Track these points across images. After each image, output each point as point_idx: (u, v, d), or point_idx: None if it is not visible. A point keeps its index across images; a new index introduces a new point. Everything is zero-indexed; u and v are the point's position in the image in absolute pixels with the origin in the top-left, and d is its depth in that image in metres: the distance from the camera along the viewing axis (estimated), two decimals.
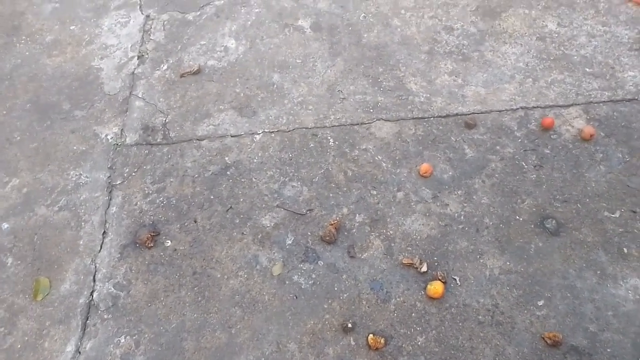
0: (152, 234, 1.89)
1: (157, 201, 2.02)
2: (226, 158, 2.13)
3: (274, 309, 1.72)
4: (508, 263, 1.78)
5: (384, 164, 2.07)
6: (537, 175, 2.00)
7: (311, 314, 1.70)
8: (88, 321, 1.73)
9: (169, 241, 1.90)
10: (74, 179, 2.12)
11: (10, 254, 1.91)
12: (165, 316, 1.72)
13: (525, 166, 2.03)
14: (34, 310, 1.77)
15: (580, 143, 2.08)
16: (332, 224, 1.87)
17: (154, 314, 1.73)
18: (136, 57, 2.55)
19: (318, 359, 1.62)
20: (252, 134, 2.21)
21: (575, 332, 1.62)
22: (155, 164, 2.13)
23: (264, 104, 2.32)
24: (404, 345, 1.62)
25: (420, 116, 2.22)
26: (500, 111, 2.21)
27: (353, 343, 1.64)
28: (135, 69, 2.50)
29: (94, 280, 1.82)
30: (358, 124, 2.21)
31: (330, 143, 2.16)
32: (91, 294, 1.79)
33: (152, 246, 1.87)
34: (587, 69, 2.33)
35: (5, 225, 1.98)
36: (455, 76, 2.36)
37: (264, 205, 1.97)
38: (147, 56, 2.56)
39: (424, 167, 2.01)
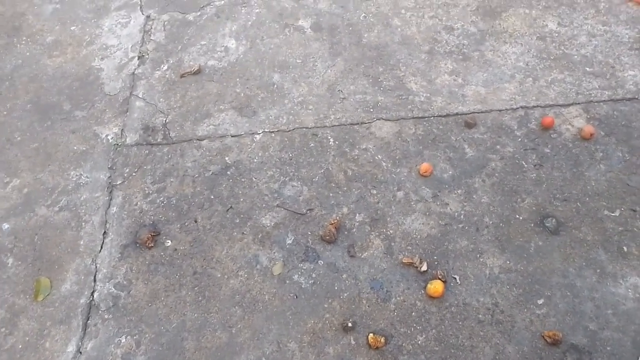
0: (152, 234, 1.89)
1: (158, 201, 2.02)
2: (226, 158, 2.14)
3: (274, 308, 1.73)
4: (508, 262, 1.78)
5: (384, 164, 2.07)
6: (537, 174, 2.00)
7: (311, 313, 1.70)
8: (89, 321, 1.73)
9: (169, 241, 1.91)
10: (75, 179, 2.12)
11: (10, 255, 1.91)
12: (166, 316, 1.73)
13: (526, 165, 2.03)
14: (35, 310, 1.77)
15: (581, 142, 2.08)
16: (332, 224, 1.87)
17: (154, 313, 1.73)
18: (136, 58, 2.56)
19: (318, 358, 1.62)
20: (253, 133, 2.21)
21: (575, 330, 1.62)
22: (156, 164, 2.14)
23: (264, 103, 2.32)
24: (404, 344, 1.63)
25: (420, 116, 2.22)
26: (500, 110, 2.21)
27: (353, 342, 1.64)
28: (135, 69, 2.51)
29: (95, 281, 1.82)
30: (358, 124, 2.21)
31: (330, 143, 2.16)
32: (92, 294, 1.79)
33: (152, 246, 1.88)
34: (588, 69, 2.33)
35: (5, 226, 1.99)
36: (456, 76, 2.36)
37: (264, 205, 1.97)
38: (147, 56, 2.56)
39: (424, 166, 2.02)
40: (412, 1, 2.71)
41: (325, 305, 1.72)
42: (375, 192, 1.99)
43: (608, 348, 1.59)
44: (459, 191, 1.97)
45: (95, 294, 1.79)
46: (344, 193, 1.99)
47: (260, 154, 2.14)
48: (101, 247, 1.90)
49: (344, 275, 1.78)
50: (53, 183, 2.11)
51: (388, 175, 2.03)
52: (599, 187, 1.95)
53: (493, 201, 1.93)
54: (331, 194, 1.99)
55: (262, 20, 2.69)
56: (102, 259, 1.87)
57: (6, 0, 2.93)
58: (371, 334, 1.63)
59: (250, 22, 2.69)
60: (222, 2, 2.80)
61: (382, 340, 1.61)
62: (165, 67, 2.50)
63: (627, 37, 2.44)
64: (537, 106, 2.21)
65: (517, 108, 2.21)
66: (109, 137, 2.25)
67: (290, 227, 1.90)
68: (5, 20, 2.81)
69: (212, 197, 2.01)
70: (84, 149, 2.22)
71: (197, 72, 2.46)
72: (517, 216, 1.89)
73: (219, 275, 1.81)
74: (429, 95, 2.29)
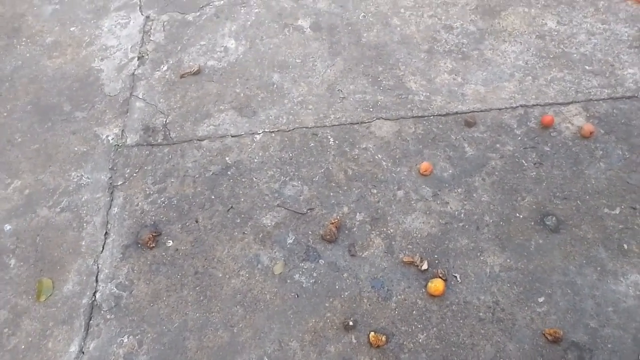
0: (153, 234, 1.89)
1: (159, 201, 2.03)
2: (227, 158, 2.14)
3: (276, 307, 1.73)
4: (508, 260, 1.78)
5: (384, 163, 2.08)
6: (537, 172, 2.00)
7: (312, 312, 1.71)
8: (91, 321, 1.74)
9: (170, 241, 1.91)
10: (76, 180, 2.13)
11: (13, 256, 1.91)
12: (168, 316, 1.73)
13: (525, 164, 2.03)
14: (37, 311, 1.77)
15: (580, 140, 2.08)
16: (332, 223, 1.87)
17: (156, 313, 1.74)
18: (136, 58, 2.56)
19: (320, 357, 1.62)
20: (253, 133, 2.21)
21: (576, 328, 1.63)
22: (156, 165, 2.14)
23: (264, 103, 2.32)
24: (405, 343, 1.63)
25: (420, 115, 2.22)
26: (500, 109, 2.21)
27: (354, 341, 1.64)
28: (135, 69, 2.51)
29: (97, 281, 1.82)
30: (358, 123, 2.22)
31: (330, 142, 2.17)
32: (94, 295, 1.80)
33: (153, 246, 1.88)
34: (587, 67, 2.34)
35: (7, 227, 1.99)
36: (455, 75, 2.36)
37: (264, 205, 1.98)
38: (147, 57, 2.57)
39: (424, 165, 2.02)
40: (411, 0, 2.72)
41: (327, 304, 1.72)
42: (375, 191, 2.00)
43: (609, 345, 1.59)
44: (459, 190, 1.97)
45: (97, 294, 1.79)
46: (345, 192, 2.00)
47: (260, 154, 2.14)
48: (103, 248, 1.90)
49: (345, 275, 1.78)
50: (54, 184, 2.11)
51: (388, 175, 2.03)
52: (599, 185, 1.95)
53: (493, 200, 1.94)
54: (331, 194, 2.00)
55: (262, 20, 2.69)
56: (104, 260, 1.88)
57: (6, 1, 2.93)
58: (372, 333, 1.63)
59: (249, 22, 2.69)
60: (222, 2, 2.80)
61: (383, 338, 1.61)
62: (165, 68, 2.51)
63: (627, 35, 2.44)
64: (537, 105, 2.22)
65: (517, 107, 2.21)
66: (110, 138, 2.25)
67: (290, 227, 1.91)
68: (5, 21, 2.82)
69: (213, 197, 2.01)
70: (85, 149, 2.22)
71: (197, 72, 2.46)
72: (518, 214, 1.89)
73: (220, 275, 1.82)
74: (428, 94, 2.29)
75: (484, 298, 1.71)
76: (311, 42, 2.57)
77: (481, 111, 2.21)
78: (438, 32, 2.55)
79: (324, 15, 2.69)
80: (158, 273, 1.83)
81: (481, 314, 1.67)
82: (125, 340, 1.69)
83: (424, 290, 1.73)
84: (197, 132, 2.23)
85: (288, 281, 1.78)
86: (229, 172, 2.09)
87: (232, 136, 2.21)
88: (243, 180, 2.06)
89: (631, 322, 1.62)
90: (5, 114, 2.39)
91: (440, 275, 1.73)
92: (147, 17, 2.77)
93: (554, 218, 1.87)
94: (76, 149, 2.23)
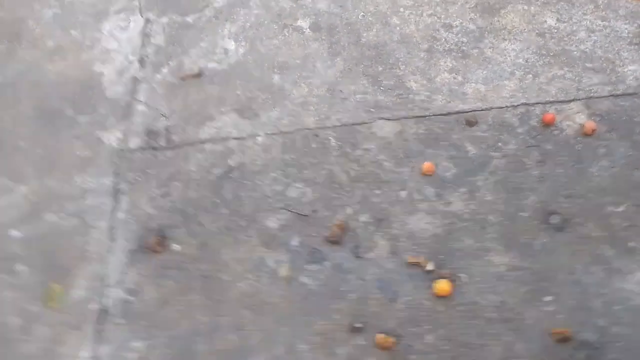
0: (159, 238, 1.90)
1: (163, 205, 2.03)
2: (229, 161, 2.14)
3: (283, 310, 1.74)
4: (514, 259, 1.79)
5: (386, 164, 2.08)
6: (540, 171, 2.01)
7: (320, 314, 1.72)
8: (101, 327, 1.74)
9: (176, 245, 1.92)
10: (80, 185, 2.12)
11: (21, 262, 1.92)
12: (177, 320, 1.74)
13: (528, 162, 2.04)
14: (48, 317, 1.78)
15: (583, 138, 2.09)
16: (337, 225, 1.88)
17: (166, 317, 1.74)
18: (137, 61, 2.55)
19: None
20: (254, 136, 2.21)
21: (585, 326, 1.64)
22: (160, 169, 2.14)
23: (265, 105, 2.32)
24: (413, 344, 1.64)
25: (421, 115, 2.22)
26: (501, 108, 2.22)
27: (363, 343, 1.65)
28: (136, 73, 2.50)
29: (105, 286, 1.83)
30: (359, 124, 2.22)
31: (332, 143, 2.17)
32: (103, 300, 1.80)
33: (160, 251, 1.89)
34: (588, 64, 2.34)
35: (15, 233, 1.99)
36: (455, 74, 2.37)
37: (268, 207, 1.98)
38: (147, 60, 2.56)
39: (426, 165, 2.03)
40: None
41: (333, 307, 1.73)
42: (378, 192, 2.00)
43: (618, 344, 1.60)
44: (462, 189, 1.98)
45: (107, 300, 1.80)
46: (348, 194, 2.00)
47: (262, 156, 2.14)
48: (110, 253, 1.91)
49: (351, 276, 1.79)
50: (59, 189, 2.11)
51: (391, 175, 2.04)
52: (603, 182, 1.96)
53: (497, 199, 1.94)
54: (335, 195, 2.00)
55: (261, 21, 2.69)
56: (112, 265, 1.88)
57: (6, 5, 2.91)
58: (380, 334, 1.64)
59: (249, 24, 2.68)
60: (221, 3, 2.79)
61: (392, 340, 1.62)
62: (166, 71, 2.50)
63: (627, 32, 2.45)
64: (538, 103, 2.22)
65: (518, 105, 2.22)
66: (113, 142, 2.25)
67: (295, 229, 1.91)
68: (6, 25, 2.80)
69: (217, 200, 2.02)
70: (88, 154, 2.22)
71: (198, 74, 2.46)
72: (522, 213, 1.90)
73: (227, 279, 1.82)
74: (429, 93, 2.30)
75: (491, 298, 1.72)
76: (311, 42, 2.57)
77: (482, 110, 2.22)
78: (437, 31, 2.55)
79: (324, 16, 2.68)
80: (166, 277, 1.83)
81: (489, 313, 1.68)
82: (137, 345, 1.70)
83: (430, 291, 1.74)
84: (200, 135, 2.23)
85: (294, 284, 1.79)
86: (231, 175, 2.09)
87: (234, 139, 2.21)
88: (246, 182, 2.06)
89: None
90: (9, 120, 2.38)
91: (446, 275, 1.74)
92: (147, 19, 2.76)
93: (558, 217, 1.88)
94: (79, 153, 2.23)
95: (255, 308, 1.73)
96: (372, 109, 2.26)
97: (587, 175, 1.99)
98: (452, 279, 1.74)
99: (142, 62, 2.55)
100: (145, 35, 2.68)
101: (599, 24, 2.53)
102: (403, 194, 1.98)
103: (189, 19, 2.75)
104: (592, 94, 2.23)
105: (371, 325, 1.67)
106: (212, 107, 2.33)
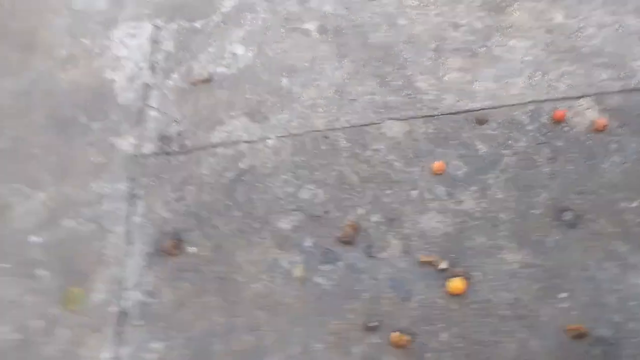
0: (175, 241, 1.93)
1: (178, 209, 2.06)
2: (240, 164, 2.17)
3: (298, 310, 1.76)
4: (527, 257, 1.79)
5: (396, 164, 2.09)
6: (552, 168, 2.01)
7: (334, 314, 1.73)
8: (121, 329, 1.78)
9: (191, 248, 1.94)
10: (96, 190, 2.16)
11: (42, 267, 1.96)
12: (194, 321, 1.76)
13: (539, 160, 2.03)
14: (69, 320, 1.82)
15: (593, 134, 2.08)
16: (349, 225, 1.90)
17: (183, 319, 1.77)
18: (147, 68, 2.59)
19: (345, 359, 1.65)
20: (265, 139, 2.24)
21: (600, 323, 1.64)
22: (174, 173, 2.17)
23: (275, 108, 2.34)
24: (428, 342, 1.65)
25: (430, 114, 2.23)
26: (511, 106, 2.22)
27: (378, 341, 1.67)
28: (147, 79, 2.54)
29: (124, 289, 1.86)
30: (368, 125, 2.23)
31: (342, 145, 2.18)
32: (122, 303, 1.84)
33: (176, 253, 1.92)
34: (597, 60, 2.33)
35: (35, 239, 2.04)
36: (464, 72, 2.37)
37: (280, 209, 2.00)
38: (158, 66, 2.60)
39: (437, 164, 2.03)
40: None
41: (348, 306, 1.74)
42: (389, 192, 2.01)
43: (634, 339, 1.59)
44: (473, 188, 1.98)
45: (125, 302, 1.83)
46: (359, 194, 2.02)
47: (273, 159, 2.16)
48: (127, 257, 1.94)
49: (364, 276, 1.80)
50: (76, 195, 2.15)
51: (401, 175, 2.05)
52: (615, 178, 1.95)
53: (508, 197, 1.94)
54: (346, 196, 2.02)
55: (268, 25, 2.71)
56: (129, 268, 1.92)
57: (18, 15, 2.97)
58: (395, 333, 1.65)
59: (256, 28, 2.71)
60: (229, 8, 2.82)
61: (407, 338, 1.63)
62: (176, 76, 2.53)
63: (636, 27, 2.43)
64: (548, 100, 2.21)
65: (528, 102, 2.22)
66: (126, 148, 2.29)
67: (307, 230, 1.93)
68: (19, 35, 2.86)
69: (230, 203, 2.04)
70: (103, 160, 2.26)
71: (207, 79, 2.49)
72: (533, 211, 1.90)
73: (242, 280, 1.85)
74: (438, 93, 2.30)
75: (505, 295, 1.72)
76: (318, 45, 2.58)
77: (492, 108, 2.21)
78: (445, 30, 2.55)
79: (330, 18, 2.70)
80: (182, 280, 1.86)
81: (503, 311, 1.69)
82: (156, 346, 1.73)
83: (443, 289, 1.74)
84: (211, 139, 2.26)
85: (308, 284, 1.80)
86: (243, 178, 2.11)
87: (244, 142, 2.23)
88: (258, 185, 2.09)
89: None
90: (24, 128, 2.43)
91: (459, 274, 1.75)
92: (156, 26, 2.79)
93: (570, 213, 1.87)
94: (94, 160, 2.26)
95: (269, 309, 1.75)
96: (381, 110, 2.28)
97: (598, 172, 1.98)
98: (466, 277, 1.74)
99: (152, 68, 2.59)
100: (155, 42, 2.72)
101: (608, 19, 2.52)
102: (414, 193, 1.99)
103: (197, 25, 2.78)
104: (602, 90, 2.22)
105: (385, 324, 1.69)
106: (222, 111, 2.35)
